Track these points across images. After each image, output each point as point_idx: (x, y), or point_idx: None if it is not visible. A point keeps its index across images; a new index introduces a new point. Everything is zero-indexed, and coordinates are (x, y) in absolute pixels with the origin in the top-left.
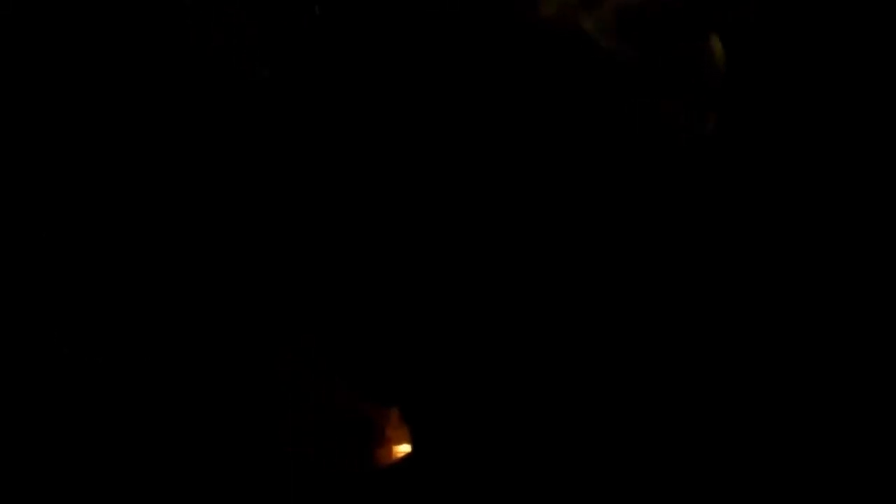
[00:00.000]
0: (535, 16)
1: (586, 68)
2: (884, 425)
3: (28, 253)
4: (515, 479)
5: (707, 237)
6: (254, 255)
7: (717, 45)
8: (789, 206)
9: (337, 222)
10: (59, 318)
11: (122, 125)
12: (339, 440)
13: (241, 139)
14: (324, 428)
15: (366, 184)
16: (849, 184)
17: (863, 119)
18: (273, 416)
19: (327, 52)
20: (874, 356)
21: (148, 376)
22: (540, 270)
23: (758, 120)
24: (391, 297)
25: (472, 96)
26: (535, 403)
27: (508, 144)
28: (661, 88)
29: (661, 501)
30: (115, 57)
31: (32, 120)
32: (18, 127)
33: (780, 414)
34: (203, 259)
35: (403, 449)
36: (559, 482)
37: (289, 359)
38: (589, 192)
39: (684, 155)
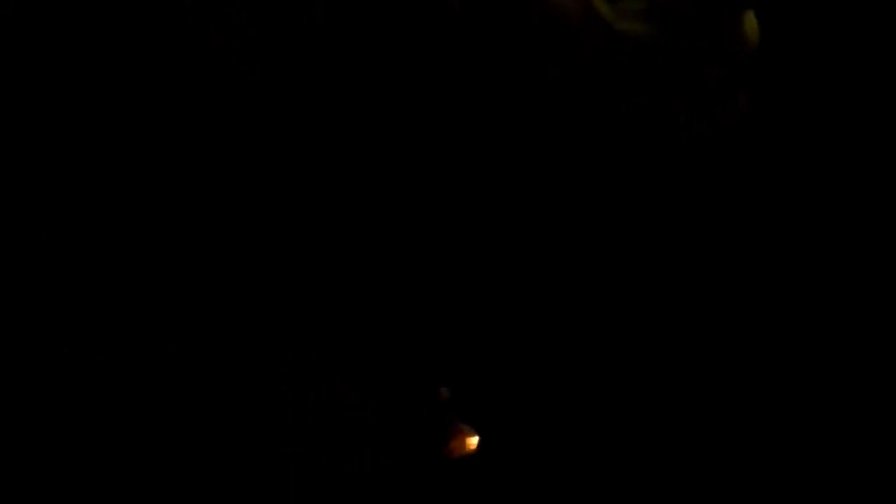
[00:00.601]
0: (551, 2)
1: (591, 62)
2: (884, 425)
3: (28, 253)
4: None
5: (715, 239)
6: (254, 255)
7: (751, 21)
8: (798, 209)
9: (337, 222)
10: (59, 318)
11: (121, 125)
12: (341, 440)
13: (241, 139)
14: (324, 428)
15: (366, 184)
16: (870, 186)
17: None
18: (273, 416)
19: (329, 51)
20: (875, 357)
21: (147, 376)
22: (542, 269)
23: (770, 117)
24: (391, 297)
25: (474, 95)
26: (539, 403)
27: (511, 143)
28: (662, 88)
29: (667, 499)
30: (114, 57)
31: (32, 120)
32: (18, 127)
33: (785, 416)
34: (203, 259)
35: (475, 440)
36: (569, 481)
37: (289, 359)
38: (591, 192)
39: (687, 154)
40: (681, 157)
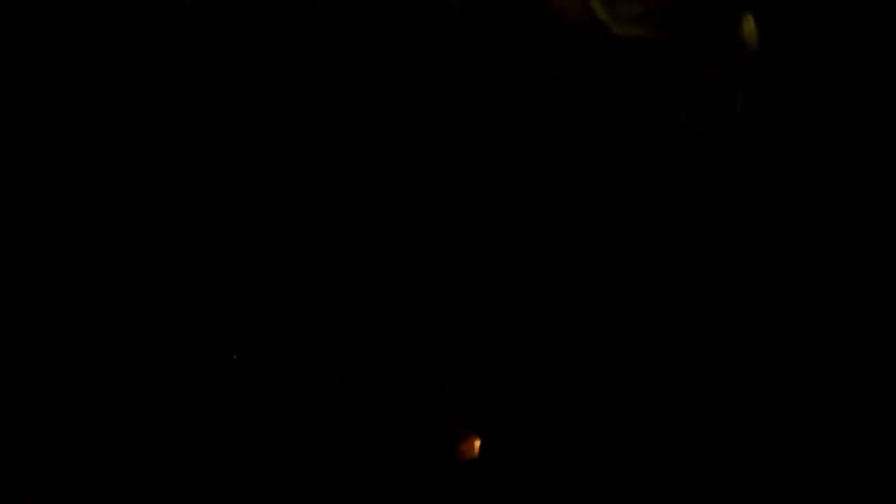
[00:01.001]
0: (551, 5)
1: (591, 63)
2: (884, 425)
3: (28, 253)
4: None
5: (714, 237)
6: (254, 255)
7: (749, 24)
8: (795, 209)
9: (336, 222)
10: (59, 318)
11: (122, 125)
12: (341, 440)
13: (241, 139)
14: (324, 428)
15: (366, 184)
16: (867, 186)
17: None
18: (273, 416)
19: (329, 51)
20: (875, 357)
21: (148, 376)
22: (543, 268)
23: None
24: (393, 297)
25: (473, 94)
26: (542, 403)
27: (511, 143)
28: (661, 88)
29: (670, 500)
30: (115, 57)
31: (32, 120)
32: (18, 127)
33: (782, 414)
34: (203, 259)
35: (475, 445)
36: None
37: (289, 359)
38: (590, 191)
39: (687, 154)
40: (680, 156)
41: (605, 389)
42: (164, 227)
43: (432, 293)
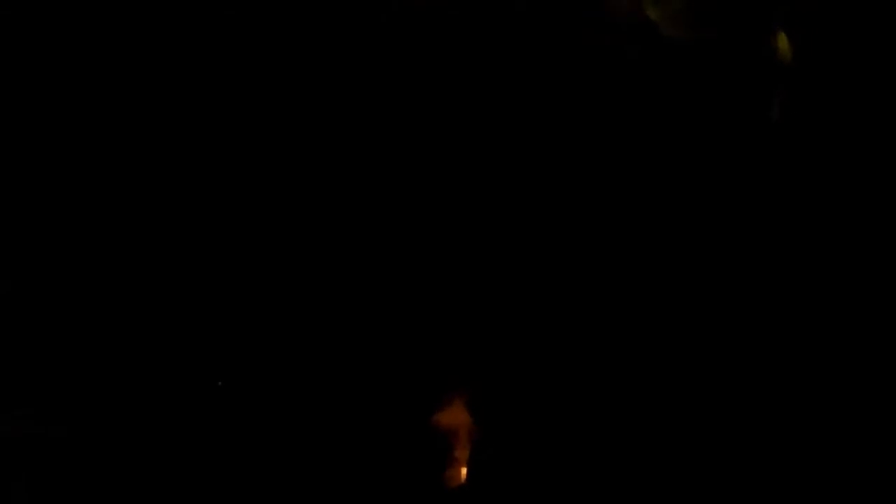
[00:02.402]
0: (606, 6)
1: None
2: (884, 425)
3: (28, 253)
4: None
5: (724, 242)
6: (255, 256)
7: (783, 40)
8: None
9: (337, 222)
10: (60, 318)
11: (122, 125)
12: (342, 440)
13: (241, 139)
14: (324, 428)
15: (366, 184)
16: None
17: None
18: (272, 417)
19: (334, 51)
20: (875, 357)
21: (149, 376)
22: (547, 271)
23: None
24: (392, 298)
25: (480, 94)
26: (538, 402)
27: (520, 142)
28: (701, 89)
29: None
30: (115, 56)
31: (32, 120)
32: (18, 127)
33: (783, 414)
34: (204, 260)
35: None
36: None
37: (292, 361)
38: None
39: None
40: (711, 158)
41: (606, 395)
42: (165, 228)
43: (433, 294)
